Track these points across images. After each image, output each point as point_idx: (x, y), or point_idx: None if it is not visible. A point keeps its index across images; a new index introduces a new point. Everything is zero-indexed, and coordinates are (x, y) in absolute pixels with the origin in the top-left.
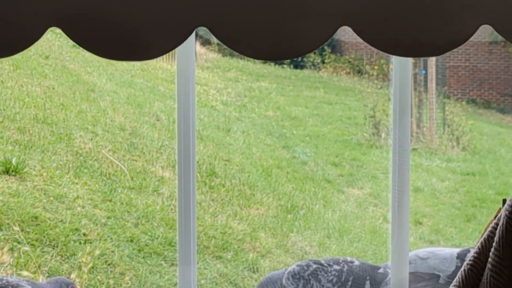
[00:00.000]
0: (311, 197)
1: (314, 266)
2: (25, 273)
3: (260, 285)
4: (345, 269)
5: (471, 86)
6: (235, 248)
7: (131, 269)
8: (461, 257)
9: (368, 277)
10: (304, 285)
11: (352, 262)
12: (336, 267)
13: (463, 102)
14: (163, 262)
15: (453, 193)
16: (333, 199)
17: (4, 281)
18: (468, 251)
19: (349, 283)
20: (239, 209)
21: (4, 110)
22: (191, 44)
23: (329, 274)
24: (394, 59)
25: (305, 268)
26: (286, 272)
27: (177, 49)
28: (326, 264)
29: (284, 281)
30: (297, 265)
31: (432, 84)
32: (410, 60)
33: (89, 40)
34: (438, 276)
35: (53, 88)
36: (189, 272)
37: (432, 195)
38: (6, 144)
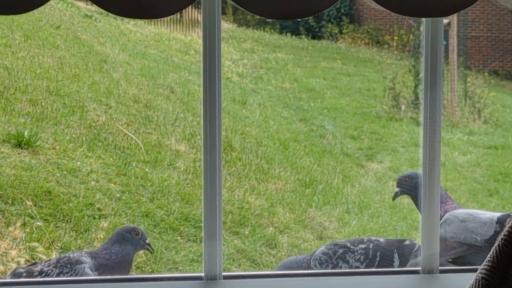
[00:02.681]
0: (330, 171)
1: (341, 251)
2: (38, 248)
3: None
4: (371, 246)
5: (493, 57)
6: (252, 223)
7: None
8: (501, 221)
9: (395, 250)
10: (333, 268)
11: (377, 240)
12: (361, 246)
13: (485, 74)
14: (179, 238)
15: (475, 167)
16: (352, 173)
17: (65, 258)
18: (509, 216)
19: (377, 259)
20: (257, 184)
21: (15, 81)
22: (218, 15)
23: (356, 254)
24: (425, 28)
25: (332, 255)
26: (312, 259)
27: (203, 20)
28: (351, 246)
29: (312, 265)
30: (323, 253)
31: (453, 55)
32: (441, 30)
33: None
34: (469, 245)
35: (65, 59)
36: (214, 247)
37: (454, 169)
38: (18, 116)
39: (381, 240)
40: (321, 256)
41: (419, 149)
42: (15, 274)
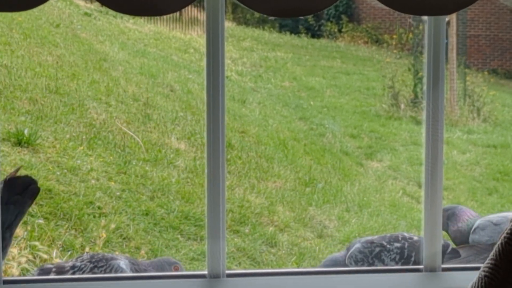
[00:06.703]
0: (330, 170)
1: (377, 249)
2: (38, 246)
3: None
4: (406, 246)
5: (492, 56)
6: (252, 222)
7: (146, 243)
8: None
9: None
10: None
11: (411, 238)
12: (397, 244)
13: (484, 72)
14: (179, 236)
15: (474, 165)
16: (351, 172)
17: (100, 255)
18: None
19: (412, 258)
20: (256, 182)
21: (15, 80)
22: (222, 15)
23: (392, 253)
24: (427, 27)
25: (368, 254)
26: (347, 257)
27: (206, 20)
28: (387, 244)
29: (347, 262)
30: (359, 252)
31: (452, 54)
32: (444, 28)
33: None
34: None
35: (65, 58)
36: (218, 246)
37: (453, 167)
38: (18, 115)
39: (415, 238)
40: (356, 254)
41: (418, 147)
42: (43, 269)
